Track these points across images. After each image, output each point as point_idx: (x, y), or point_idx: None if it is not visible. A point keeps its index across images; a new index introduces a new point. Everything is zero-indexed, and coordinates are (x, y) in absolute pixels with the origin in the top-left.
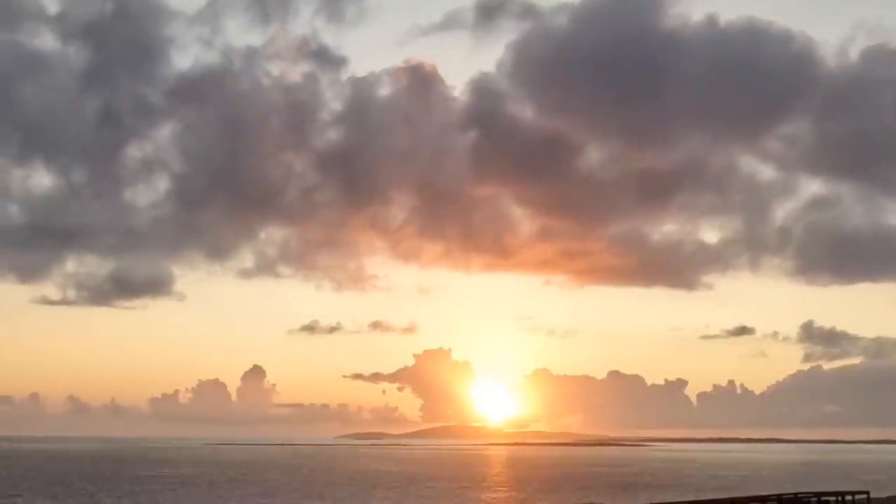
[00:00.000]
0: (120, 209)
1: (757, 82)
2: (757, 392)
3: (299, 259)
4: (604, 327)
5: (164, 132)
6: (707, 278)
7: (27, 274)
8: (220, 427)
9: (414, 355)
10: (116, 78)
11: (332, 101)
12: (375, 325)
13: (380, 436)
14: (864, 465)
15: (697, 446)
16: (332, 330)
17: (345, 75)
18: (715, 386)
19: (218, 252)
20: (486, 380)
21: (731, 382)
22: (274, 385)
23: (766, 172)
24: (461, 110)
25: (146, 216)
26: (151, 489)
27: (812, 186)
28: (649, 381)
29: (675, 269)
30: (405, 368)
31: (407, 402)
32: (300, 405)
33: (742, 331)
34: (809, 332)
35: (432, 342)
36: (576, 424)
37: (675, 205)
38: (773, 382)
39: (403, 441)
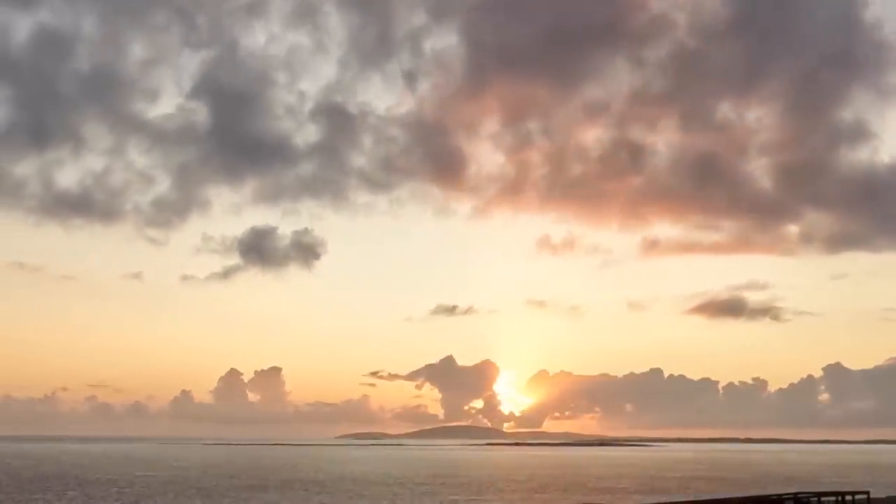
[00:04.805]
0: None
1: None
2: (777, 388)
3: (544, 192)
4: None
5: None
6: None
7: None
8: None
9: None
10: None
11: None
12: (538, 305)
13: None
14: None
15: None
16: (467, 311)
17: None
18: (741, 382)
19: (439, 175)
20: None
21: (758, 378)
22: (289, 391)
23: None
24: None
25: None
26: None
27: None
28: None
29: None
30: (427, 366)
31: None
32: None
33: None
34: None
35: (582, 329)
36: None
37: None
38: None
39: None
